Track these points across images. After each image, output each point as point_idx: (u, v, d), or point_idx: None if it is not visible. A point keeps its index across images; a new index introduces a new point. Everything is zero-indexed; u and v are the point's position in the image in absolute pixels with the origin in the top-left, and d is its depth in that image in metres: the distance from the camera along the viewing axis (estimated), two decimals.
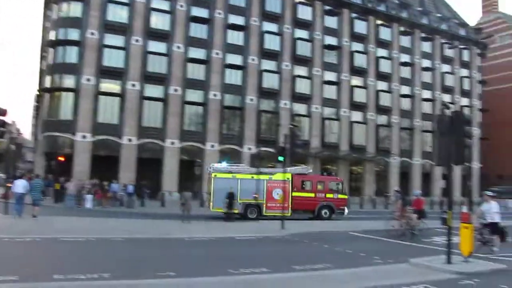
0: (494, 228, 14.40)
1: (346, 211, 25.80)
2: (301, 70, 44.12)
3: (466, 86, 54.64)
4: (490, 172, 58.35)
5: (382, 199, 41.01)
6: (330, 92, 45.41)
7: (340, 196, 25.86)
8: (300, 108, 43.88)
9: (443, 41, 53.79)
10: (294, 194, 24.43)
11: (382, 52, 49.52)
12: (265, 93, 41.80)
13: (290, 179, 24.28)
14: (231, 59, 40.81)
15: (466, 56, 54.84)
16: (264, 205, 23.93)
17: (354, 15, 47.91)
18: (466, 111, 49.20)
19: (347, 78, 46.37)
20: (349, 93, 46.36)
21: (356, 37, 47.69)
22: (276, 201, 23.66)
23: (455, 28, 56.38)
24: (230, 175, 23.80)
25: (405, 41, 51.74)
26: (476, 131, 55.97)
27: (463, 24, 58.47)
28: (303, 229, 19.35)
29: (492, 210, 14.46)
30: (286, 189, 23.66)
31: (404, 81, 50.88)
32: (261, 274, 10.16)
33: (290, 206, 23.88)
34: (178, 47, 38.86)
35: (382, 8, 50.17)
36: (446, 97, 53.63)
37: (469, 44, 53.28)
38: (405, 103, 50.91)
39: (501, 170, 57.90)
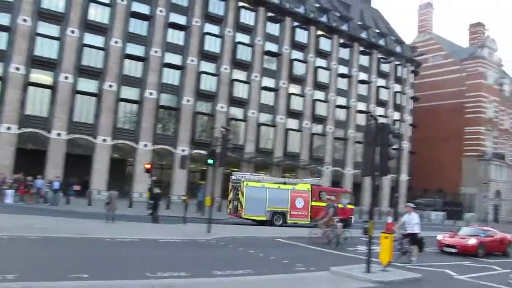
0: (414, 238, 15.57)
1: (353, 219, 27.56)
2: (240, 75, 45.05)
3: (399, 101, 57.65)
4: (417, 185, 61.91)
5: None
6: (267, 98, 46.67)
7: (349, 206, 28.06)
8: (237, 112, 44.81)
9: (380, 56, 56.63)
10: (313, 203, 26.57)
11: (321, 62, 51.49)
12: (202, 95, 42.36)
13: (310, 189, 26.82)
14: (170, 58, 40.99)
15: (400, 72, 57.92)
16: (288, 213, 26.29)
17: (296, 24, 49.47)
18: (398, 125, 51.98)
19: (285, 86, 47.83)
20: (286, 100, 47.83)
21: (297, 45, 49.28)
22: (299, 210, 26.28)
23: (392, 44, 59.47)
24: (260, 184, 26.07)
25: (344, 53, 54.03)
26: (406, 145, 59.18)
27: (400, 42, 61.77)
28: (230, 233, 19.78)
29: (412, 221, 15.59)
30: (306, 198, 26.54)
31: (341, 92, 53.14)
32: (178, 278, 10.17)
33: (309, 214, 26.23)
34: (116, 42, 38.59)
35: (324, 19, 52.14)
36: (380, 111, 56.55)
37: (404, 61, 56.13)
38: (341, 114, 53.18)
39: (426, 184, 61.56)
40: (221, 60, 43.63)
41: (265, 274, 11.45)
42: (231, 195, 26.72)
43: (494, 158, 67.59)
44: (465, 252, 19.05)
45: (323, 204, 25.19)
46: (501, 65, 78.12)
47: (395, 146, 36.50)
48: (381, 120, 51.89)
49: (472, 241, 19.40)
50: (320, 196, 26.90)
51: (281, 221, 26.12)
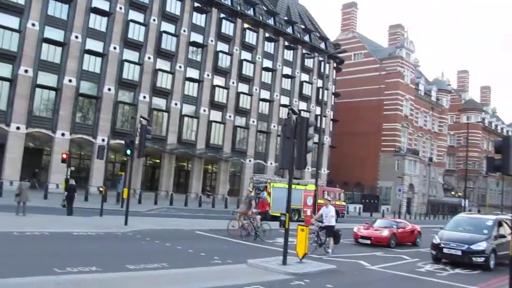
0: (330, 230, 16.40)
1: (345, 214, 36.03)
2: (164, 64, 44.85)
3: (322, 96, 59.37)
4: (337, 178, 64.49)
5: (235, 199, 43.43)
6: (191, 89, 46.84)
7: (343, 203, 37.63)
8: (160, 102, 44.62)
9: (304, 51, 58.27)
10: (318, 201, 29.16)
11: (246, 55, 52.26)
12: (124, 84, 41.80)
13: (316, 189, 31.04)
14: (91, 44, 39.93)
15: (323, 68, 59.58)
16: (302, 210, 31.35)
17: (222, 15, 49.86)
18: (320, 119, 53.76)
19: (209, 77, 48.20)
20: (210, 92, 48.24)
21: (222, 37, 49.75)
22: (309, 207, 30.68)
23: (316, 41, 61.33)
24: (282, 185, 29.07)
25: (269, 47, 55.13)
26: (327, 139, 61.42)
27: (324, 38, 63.83)
28: (148, 226, 19.64)
29: (329, 214, 16.46)
30: (313, 197, 30.42)
31: (265, 86, 54.22)
32: (89, 273, 9.89)
33: (316, 210, 28.04)
34: (33, 25, 36.97)
35: (250, 12, 52.82)
36: (303, 105, 58.34)
37: (327, 57, 58.07)
38: (264, 107, 54.27)
39: (346, 177, 64.25)
40: (145, 49, 43.16)
41: (180, 268, 11.49)
42: (253, 193, 28.28)
43: (409, 154, 71.74)
44: (378, 243, 20.28)
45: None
46: (418, 65, 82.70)
47: (315, 140, 38.29)
48: (304, 114, 53.75)
49: (385, 233, 20.76)
50: (323, 195, 31.95)
51: (296, 217, 30.20)
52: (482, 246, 15.76)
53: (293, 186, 27.98)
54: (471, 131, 77.79)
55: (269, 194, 28.81)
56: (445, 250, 16.23)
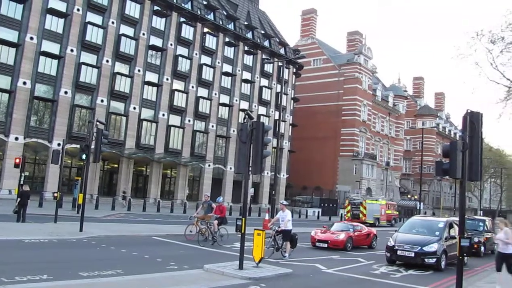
0: (287, 234, 16.46)
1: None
2: (122, 68, 44.36)
3: (281, 101, 59.88)
4: (296, 182, 65.13)
5: (193, 204, 43.24)
6: (150, 93, 46.47)
7: (395, 212, 50.65)
8: (118, 106, 44.05)
9: (264, 56, 58.70)
10: (387, 212, 46.30)
11: (206, 59, 52.20)
12: (81, 87, 41.05)
13: (385, 203, 47.10)
14: (47, 46, 39.00)
15: (283, 73, 60.19)
16: (380, 218, 43.87)
17: (182, 19, 49.70)
18: (279, 124, 54.17)
19: (168, 81, 47.90)
20: (170, 96, 47.93)
21: (182, 41, 49.60)
22: (383, 215, 44.75)
23: (276, 46, 61.85)
24: (371, 201, 45.28)
25: (229, 52, 55.27)
26: (286, 144, 61.97)
27: (284, 44, 64.43)
28: (104, 232, 19.27)
29: (286, 218, 16.48)
30: (385, 208, 45.92)
31: (224, 90, 54.30)
32: (39, 282, 9.56)
33: (386, 219, 45.29)
34: None
35: (210, 17, 52.83)
36: (262, 110, 58.71)
37: (287, 62, 58.68)
38: (223, 112, 54.35)
39: (305, 181, 64.93)
40: (103, 52, 42.56)
41: (135, 274, 11.30)
42: (349, 208, 43.72)
43: (366, 158, 73.14)
44: (335, 246, 20.57)
45: (390, 212, 47.50)
46: (375, 71, 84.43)
47: (274, 144, 38.49)
48: (263, 119, 54.06)
49: (342, 236, 21.06)
50: (388, 207, 47.26)
51: (377, 223, 42.17)
52: (433, 247, 16.30)
53: (374, 201, 46.20)
54: (426, 136, 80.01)
55: (364, 208, 42.29)
56: (399, 252, 16.67)
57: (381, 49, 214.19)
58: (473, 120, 9.46)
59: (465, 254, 9.78)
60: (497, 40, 28.15)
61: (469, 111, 9.57)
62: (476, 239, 23.39)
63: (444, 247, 16.51)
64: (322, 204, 62.65)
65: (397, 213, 52.56)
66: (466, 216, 28.97)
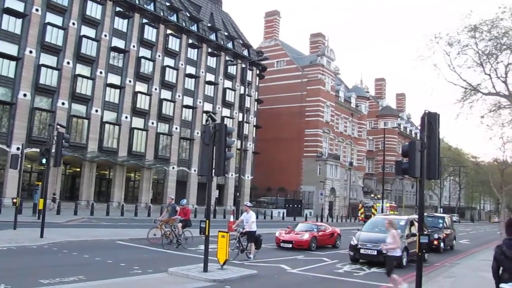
0: (251, 236, 16.54)
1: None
2: (84, 70, 43.55)
3: (245, 103, 59.98)
4: (261, 184, 65.33)
5: (157, 207, 42.84)
6: (112, 95, 45.82)
7: (396, 212, 55.99)
8: (80, 109, 43.26)
9: (228, 58, 58.68)
10: (391, 212, 49.56)
11: (169, 61, 51.86)
12: (41, 90, 40.06)
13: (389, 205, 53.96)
14: (4, 47, 37.65)
15: (246, 75, 60.32)
16: None
17: (145, 21, 49.20)
18: (242, 126, 54.31)
19: (131, 83, 47.32)
20: (132, 98, 47.40)
21: (145, 43, 49.11)
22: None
23: (239, 48, 61.94)
24: (379, 204, 52.72)
25: (192, 53, 55.05)
26: (250, 145, 62.12)
27: (247, 46, 64.57)
28: (66, 238, 18.91)
29: (250, 219, 16.56)
30: (389, 210, 51.15)
31: (188, 92, 54.04)
32: None
33: None
34: None
35: (173, 18, 52.47)
36: (226, 112, 58.69)
37: (250, 64, 58.84)
38: (187, 114, 54.08)
39: (270, 183, 65.16)
40: (63, 53, 41.68)
41: (98, 280, 11.08)
42: (362, 210, 51.83)
43: (330, 158, 73.91)
44: (300, 246, 20.79)
45: (393, 212, 52.27)
46: (338, 73, 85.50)
47: (238, 146, 38.68)
48: (227, 121, 54.08)
49: (306, 236, 21.30)
50: (391, 208, 52.70)
51: None
52: None
53: (380, 204, 54.57)
54: (388, 136, 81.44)
55: (375, 209, 47.78)
56: (362, 251, 16.99)
57: (344, 51, 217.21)
58: (430, 121, 9.70)
59: (424, 251, 10.01)
60: (454, 42, 29.01)
61: (426, 111, 9.82)
62: (436, 236, 24.11)
63: (405, 245, 16.88)
64: (287, 205, 63.09)
65: (397, 213, 58.26)
66: (426, 213, 29.72)
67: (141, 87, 48.76)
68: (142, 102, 48.21)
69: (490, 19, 28.21)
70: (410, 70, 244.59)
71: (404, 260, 16.76)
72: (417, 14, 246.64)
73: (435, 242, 23.59)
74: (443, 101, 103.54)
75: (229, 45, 60.38)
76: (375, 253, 16.59)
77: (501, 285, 6.34)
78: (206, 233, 12.79)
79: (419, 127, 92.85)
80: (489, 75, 29.25)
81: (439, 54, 55.22)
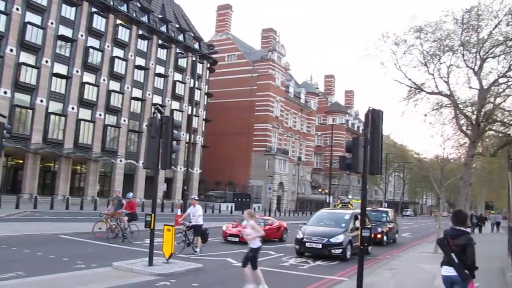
0: (197, 229, 16.45)
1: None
2: (28, 58, 41.97)
3: (195, 97, 59.67)
4: (210, 177, 65.19)
5: (104, 200, 41.96)
6: (58, 85, 44.45)
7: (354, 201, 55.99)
8: (23, 99, 41.74)
9: (178, 51, 58.04)
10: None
11: (118, 52, 50.78)
12: None
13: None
14: None
15: (197, 68, 59.91)
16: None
17: (94, 9, 47.94)
18: (190, 119, 53.94)
19: (78, 74, 46.06)
20: (80, 89, 46.15)
21: (93, 33, 47.84)
22: None
23: (190, 40, 61.41)
24: (356, 201, 47.55)
25: (142, 45, 54.12)
26: (199, 139, 61.83)
27: (198, 39, 64.10)
28: (6, 232, 18.02)
29: (197, 213, 16.47)
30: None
31: (137, 84, 53.16)
32: None
33: None
34: None
35: (123, 8, 51.40)
36: (175, 105, 58.15)
37: (201, 57, 58.47)
38: (136, 106, 53.21)
39: (219, 177, 65.16)
40: (6, 40, 39.94)
41: (38, 275, 10.71)
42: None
43: (279, 153, 74.58)
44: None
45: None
46: (288, 68, 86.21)
47: (187, 139, 38.37)
48: (177, 114, 53.76)
49: None
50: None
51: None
52: (340, 238, 17.06)
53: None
54: (336, 132, 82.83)
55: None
56: (307, 244, 17.27)
57: (295, 47, 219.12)
58: (374, 117, 9.91)
59: (366, 244, 10.26)
60: (401, 42, 29.82)
61: (371, 108, 10.04)
62: (379, 229, 24.82)
63: (349, 238, 17.29)
64: (235, 199, 63.29)
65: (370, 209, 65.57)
66: (371, 208, 30.47)
67: (88, 77, 47.49)
68: (90, 93, 47.02)
69: (435, 21, 29.23)
70: (359, 67, 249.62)
71: (348, 253, 17.19)
72: (367, 12, 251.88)
73: (379, 236, 24.28)
74: (390, 99, 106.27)
75: (180, 37, 59.76)
76: (320, 246, 16.94)
77: (442, 267, 7.10)
78: (152, 227, 12.62)
79: None
80: (433, 75, 30.26)
81: (386, 53, 56.60)
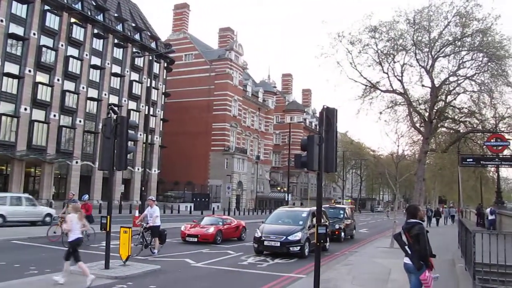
0: (155, 231, 16.34)
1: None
2: None
3: (152, 96, 59.05)
4: (168, 178, 64.58)
5: (60, 203, 40.95)
6: (10, 86, 42.95)
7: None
8: None
9: (135, 50, 57.22)
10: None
11: (72, 51, 49.54)
12: None
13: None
14: None
15: (154, 68, 59.23)
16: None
17: (47, 7, 46.58)
18: (147, 120, 53.22)
19: (31, 73, 44.65)
20: (33, 89, 44.77)
21: (47, 31, 46.46)
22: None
23: (147, 40, 60.64)
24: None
25: (98, 44, 53.05)
26: (157, 139, 61.20)
27: (155, 38, 63.35)
28: None
29: (154, 214, 16.32)
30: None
31: (93, 84, 52.05)
32: None
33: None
34: None
35: (78, 7, 50.16)
36: (132, 104, 57.31)
37: (157, 57, 57.84)
38: (92, 106, 52.14)
39: (177, 177, 64.60)
40: None
41: None
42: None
43: (237, 152, 74.65)
44: (205, 240, 20.80)
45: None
46: (246, 68, 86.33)
47: (144, 140, 37.63)
48: (133, 114, 52.97)
49: (211, 230, 21.36)
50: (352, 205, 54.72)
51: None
52: (297, 236, 17.23)
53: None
54: (293, 130, 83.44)
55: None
56: (265, 243, 17.37)
57: (252, 46, 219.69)
58: (329, 115, 10.03)
59: (322, 241, 10.39)
60: (356, 41, 30.40)
61: (325, 106, 10.16)
62: (337, 226, 25.21)
63: (307, 235, 17.49)
64: (194, 199, 62.94)
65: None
66: (328, 205, 30.83)
67: (42, 77, 46.14)
68: (43, 94, 45.65)
69: (388, 21, 29.97)
70: (316, 67, 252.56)
71: (306, 250, 17.40)
72: (323, 12, 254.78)
73: (336, 232, 24.67)
74: (346, 97, 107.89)
75: (137, 36, 58.92)
76: (279, 244, 17.07)
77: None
78: (107, 229, 12.48)
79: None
80: (387, 73, 31.01)
81: (342, 52, 57.23)
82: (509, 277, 10.44)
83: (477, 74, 29.55)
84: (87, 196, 20.40)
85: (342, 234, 25.54)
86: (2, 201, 24.60)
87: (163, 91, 64.49)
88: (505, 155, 24.53)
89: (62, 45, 48.07)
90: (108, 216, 12.47)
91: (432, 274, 7.38)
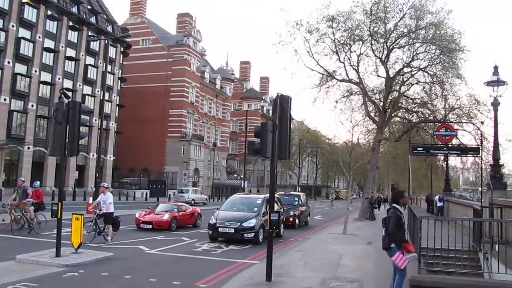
0: (108, 218, 16.13)
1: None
2: None
3: (108, 81, 57.83)
4: (124, 164, 63.68)
5: (10, 190, 39.76)
6: None
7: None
8: None
9: (90, 33, 55.75)
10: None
11: (24, 33, 47.82)
12: None
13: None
14: None
15: (110, 52, 57.93)
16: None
17: None
18: (105, 105, 52.08)
19: None
20: None
21: None
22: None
23: (103, 23, 59.19)
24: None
25: (52, 26, 51.41)
26: (112, 125, 60.16)
27: (112, 21, 61.95)
28: None
29: (107, 200, 16.07)
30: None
31: (46, 68, 50.53)
32: None
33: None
34: None
35: None
36: (87, 89, 56.05)
37: (114, 41, 56.65)
38: (45, 90, 50.68)
39: (133, 163, 63.76)
40: None
41: None
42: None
43: (194, 139, 74.31)
44: (159, 227, 20.71)
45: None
46: (204, 54, 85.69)
47: (99, 125, 37.01)
48: (88, 99, 51.85)
49: (166, 217, 21.26)
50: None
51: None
52: (252, 223, 17.39)
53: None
54: (251, 117, 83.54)
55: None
56: (220, 229, 17.45)
57: (211, 33, 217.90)
58: (283, 103, 10.13)
59: (274, 227, 10.52)
60: (314, 30, 30.66)
61: (279, 94, 10.26)
62: (291, 213, 25.54)
63: (261, 222, 17.66)
64: (150, 186, 62.31)
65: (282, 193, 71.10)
66: (283, 192, 31.18)
67: None
68: None
69: (346, 11, 30.35)
70: (274, 54, 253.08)
71: (261, 237, 17.59)
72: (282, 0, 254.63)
73: (291, 219, 25.00)
74: (303, 85, 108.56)
75: (92, 19, 57.39)
76: (233, 231, 17.19)
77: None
78: (59, 216, 12.21)
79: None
80: (344, 63, 31.49)
81: (300, 41, 57.74)
82: (452, 260, 10.95)
83: (429, 66, 30.44)
84: (38, 182, 19.83)
85: (297, 220, 25.89)
86: None
87: (119, 76, 63.28)
88: (453, 145, 25.35)
89: (13, 26, 46.22)
90: (59, 203, 12.19)
91: (407, 256, 7.97)
